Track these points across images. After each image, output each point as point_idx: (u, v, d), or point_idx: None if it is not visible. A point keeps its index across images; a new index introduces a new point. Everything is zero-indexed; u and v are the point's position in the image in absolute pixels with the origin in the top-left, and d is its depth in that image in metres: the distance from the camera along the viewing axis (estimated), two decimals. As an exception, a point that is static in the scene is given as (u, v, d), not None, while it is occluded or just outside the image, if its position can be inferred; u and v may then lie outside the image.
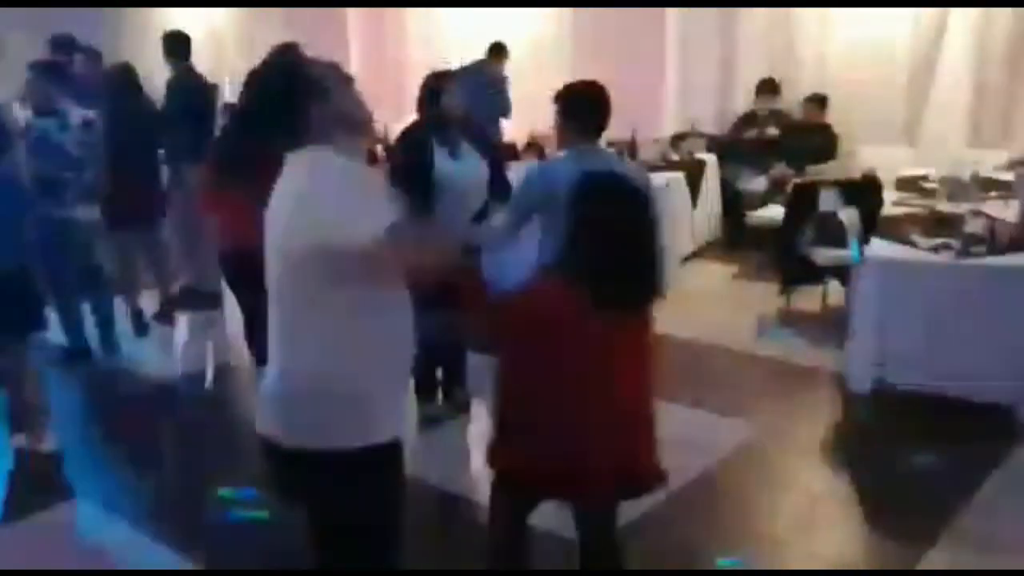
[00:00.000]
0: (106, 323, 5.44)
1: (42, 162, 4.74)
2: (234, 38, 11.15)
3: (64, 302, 5.21)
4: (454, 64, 7.42)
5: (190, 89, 6.08)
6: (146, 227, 5.76)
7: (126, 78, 5.71)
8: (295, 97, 2.03)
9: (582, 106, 3.51)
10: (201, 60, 7.24)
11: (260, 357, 4.52)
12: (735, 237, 7.53)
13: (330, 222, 1.91)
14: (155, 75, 6.49)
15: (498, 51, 7.91)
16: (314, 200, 1.97)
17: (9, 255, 3.90)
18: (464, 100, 4.11)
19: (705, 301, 6.34)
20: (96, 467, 4.25)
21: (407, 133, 4.19)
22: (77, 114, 5.03)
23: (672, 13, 8.25)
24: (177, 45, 6.17)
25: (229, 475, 3.95)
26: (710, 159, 7.64)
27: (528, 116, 8.59)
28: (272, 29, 10.64)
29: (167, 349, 5.78)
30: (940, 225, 4.83)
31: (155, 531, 3.55)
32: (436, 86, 4.08)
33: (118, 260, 5.79)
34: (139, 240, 5.79)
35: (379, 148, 7.18)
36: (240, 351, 4.88)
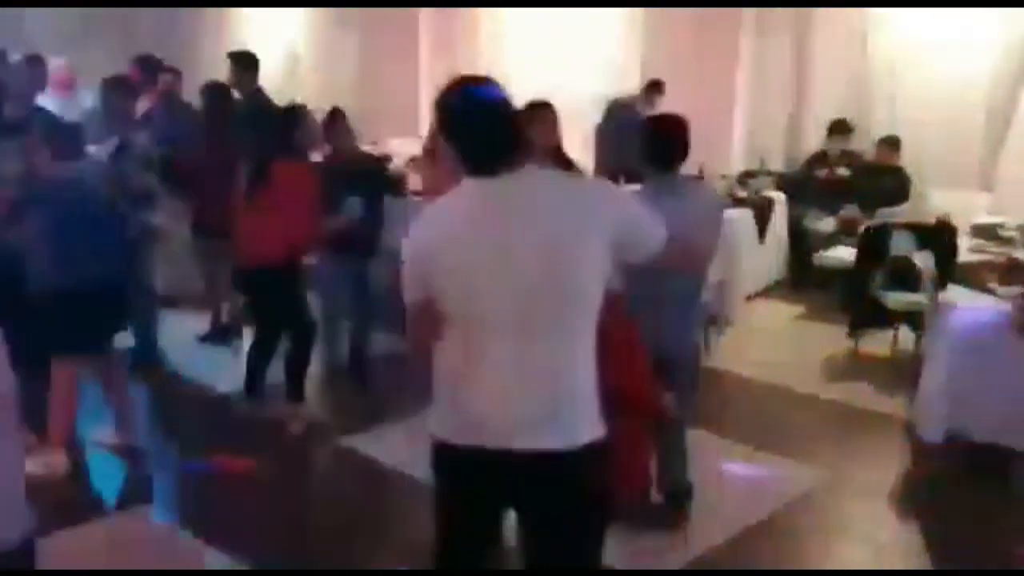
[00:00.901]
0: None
1: (137, 173, 4.99)
2: (311, 57, 11.48)
3: (148, 308, 5.40)
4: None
5: (259, 111, 6.23)
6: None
7: (221, 95, 5.86)
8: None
9: (657, 140, 3.55)
10: (277, 77, 7.41)
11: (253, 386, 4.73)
12: (802, 277, 7.42)
13: (635, 214, 2.23)
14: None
15: (655, 87, 7.74)
16: (602, 196, 2.24)
17: (105, 266, 4.04)
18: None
19: (770, 340, 6.27)
20: (167, 473, 4.38)
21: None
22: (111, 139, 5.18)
23: (746, 45, 8.23)
24: (245, 66, 6.31)
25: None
26: (778, 197, 7.56)
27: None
28: (347, 45, 10.97)
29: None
30: (1018, 273, 4.72)
31: (219, 540, 3.62)
32: (531, 113, 4.12)
33: (205, 271, 6.02)
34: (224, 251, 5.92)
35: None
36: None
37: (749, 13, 8.18)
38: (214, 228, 5.69)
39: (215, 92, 5.88)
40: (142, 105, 6.20)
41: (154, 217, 5.26)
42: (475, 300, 2.16)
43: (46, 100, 6.63)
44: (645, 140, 3.55)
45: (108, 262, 4.04)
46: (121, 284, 4.21)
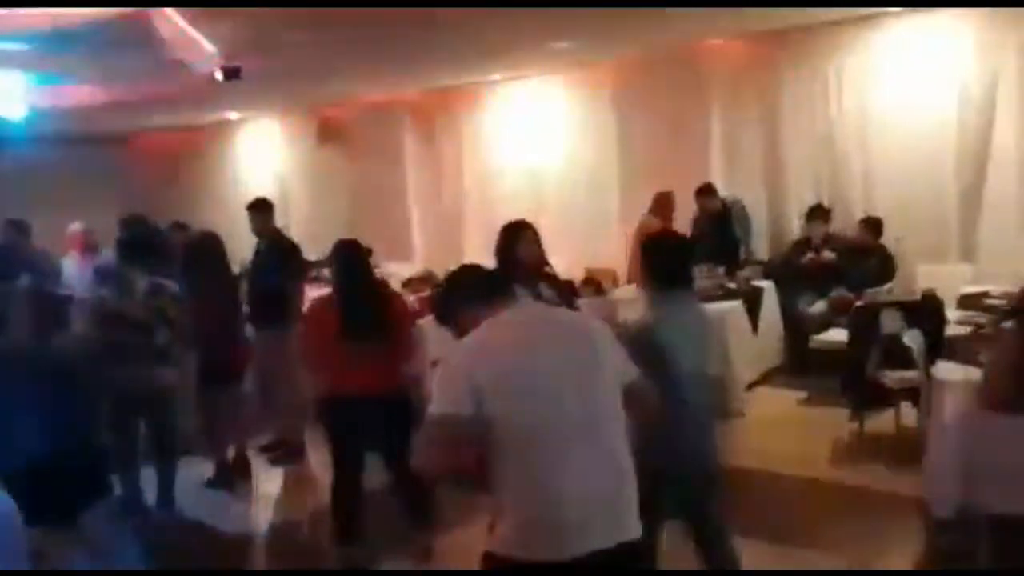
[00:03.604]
0: (168, 484, 5.47)
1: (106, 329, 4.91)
2: (297, 185, 11.90)
3: (125, 460, 5.24)
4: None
5: (283, 251, 6.49)
6: (232, 384, 5.94)
7: (208, 246, 5.98)
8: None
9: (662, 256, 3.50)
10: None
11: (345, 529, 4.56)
12: (799, 361, 7.46)
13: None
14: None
15: (708, 191, 8.10)
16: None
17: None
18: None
19: (773, 429, 6.29)
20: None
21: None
22: (143, 281, 5.17)
23: (716, 141, 8.50)
24: (263, 212, 6.56)
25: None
26: (768, 285, 7.69)
27: (586, 250, 8.82)
28: (338, 176, 11.37)
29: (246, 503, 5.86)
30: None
31: None
32: (513, 234, 4.31)
33: (203, 418, 5.96)
34: (224, 397, 5.91)
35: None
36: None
37: (716, 97, 8.52)
38: (219, 375, 5.76)
39: (200, 244, 6.06)
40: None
41: (169, 375, 5.24)
42: (542, 416, 2.39)
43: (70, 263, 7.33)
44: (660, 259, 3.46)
45: (61, 436, 3.71)
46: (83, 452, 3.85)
